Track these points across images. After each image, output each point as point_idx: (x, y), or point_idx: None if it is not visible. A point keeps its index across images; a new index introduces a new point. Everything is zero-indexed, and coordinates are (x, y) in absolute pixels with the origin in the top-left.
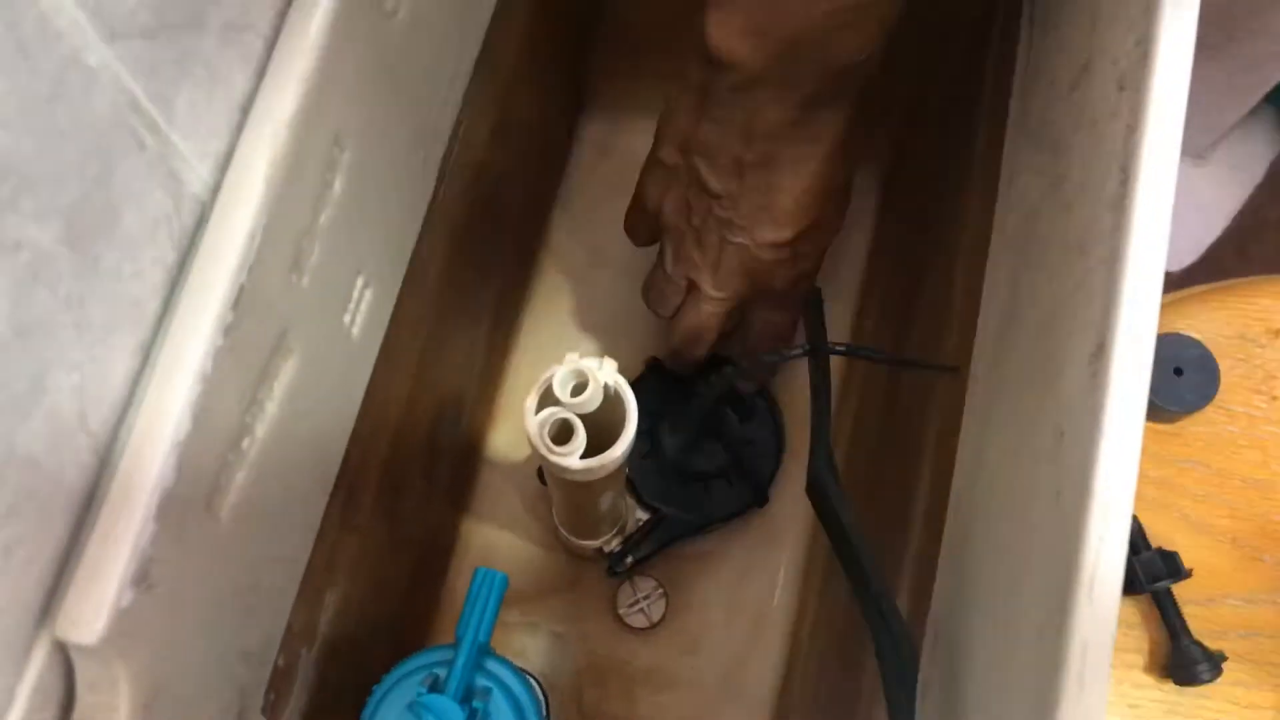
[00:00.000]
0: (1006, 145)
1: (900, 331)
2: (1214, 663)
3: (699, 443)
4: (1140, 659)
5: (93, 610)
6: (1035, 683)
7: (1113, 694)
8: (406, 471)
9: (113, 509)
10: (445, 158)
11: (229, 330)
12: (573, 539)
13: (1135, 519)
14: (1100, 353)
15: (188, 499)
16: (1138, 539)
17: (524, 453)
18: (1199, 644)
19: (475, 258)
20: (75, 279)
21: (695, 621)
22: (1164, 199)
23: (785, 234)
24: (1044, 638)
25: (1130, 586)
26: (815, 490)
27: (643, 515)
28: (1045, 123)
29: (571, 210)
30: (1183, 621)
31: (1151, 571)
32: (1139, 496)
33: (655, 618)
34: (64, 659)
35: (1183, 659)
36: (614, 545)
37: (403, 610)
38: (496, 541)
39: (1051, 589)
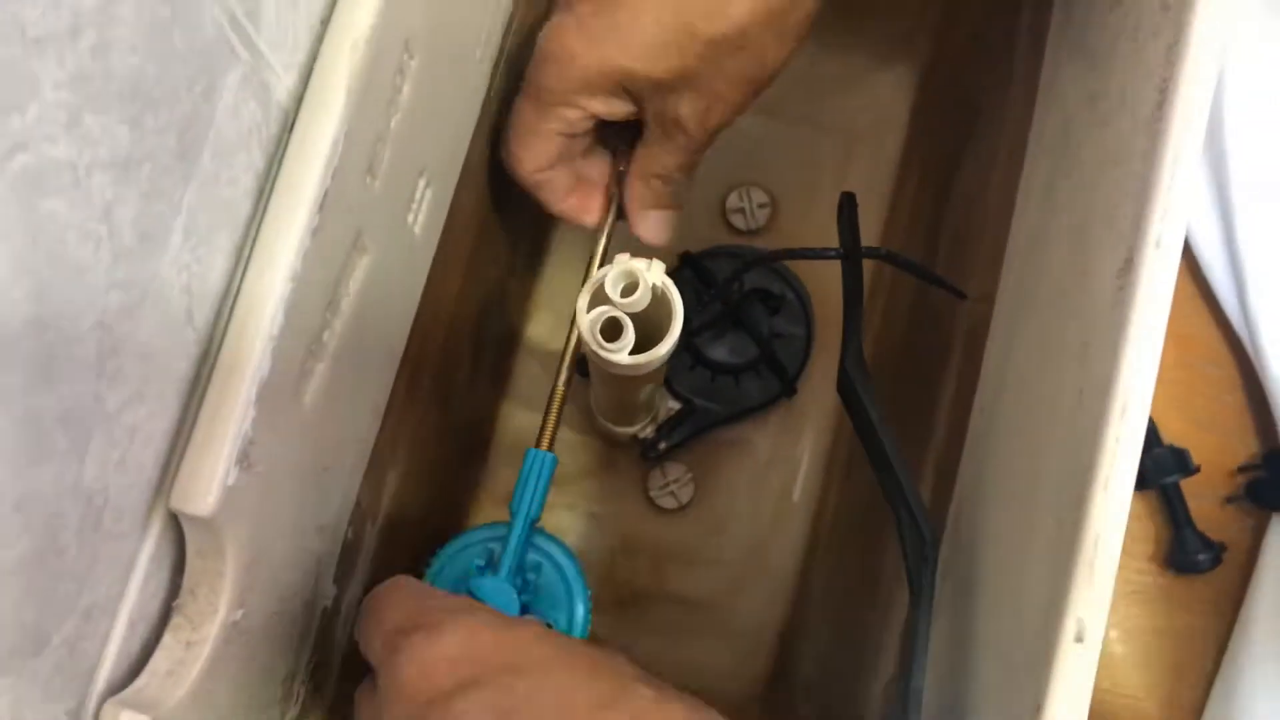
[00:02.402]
0: (1048, 51)
1: (929, 236)
2: (1214, 553)
3: (730, 336)
4: (1146, 547)
5: (205, 485)
6: (1049, 569)
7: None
8: (456, 360)
9: (217, 396)
10: (499, 53)
11: (315, 232)
12: (610, 426)
13: (1150, 418)
14: (1128, 267)
15: (279, 387)
16: (1150, 436)
17: (560, 344)
18: (1201, 535)
19: None
20: (185, 187)
21: (722, 504)
22: (1200, 118)
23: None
24: (1061, 528)
25: (1141, 482)
26: (845, 388)
27: (674, 405)
28: (1086, 32)
29: None
30: (1187, 513)
31: (1162, 467)
32: (1155, 394)
33: (684, 500)
34: (175, 528)
35: (1185, 547)
36: (648, 432)
37: (450, 491)
38: (534, 427)
39: (1070, 484)
